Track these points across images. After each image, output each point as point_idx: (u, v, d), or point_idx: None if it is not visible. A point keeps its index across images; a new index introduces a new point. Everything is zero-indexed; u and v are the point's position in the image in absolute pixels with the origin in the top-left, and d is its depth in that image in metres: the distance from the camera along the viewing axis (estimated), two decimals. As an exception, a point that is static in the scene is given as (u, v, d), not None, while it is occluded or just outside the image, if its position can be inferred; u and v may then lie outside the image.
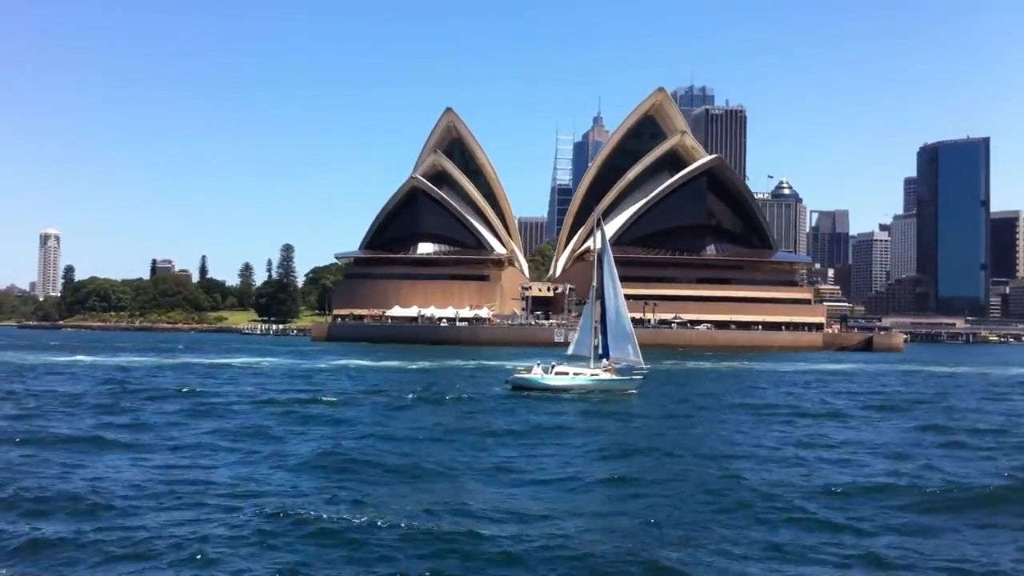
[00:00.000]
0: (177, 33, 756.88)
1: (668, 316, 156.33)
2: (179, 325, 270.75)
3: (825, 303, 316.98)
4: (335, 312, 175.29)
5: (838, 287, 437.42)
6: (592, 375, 51.03)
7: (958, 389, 62.44)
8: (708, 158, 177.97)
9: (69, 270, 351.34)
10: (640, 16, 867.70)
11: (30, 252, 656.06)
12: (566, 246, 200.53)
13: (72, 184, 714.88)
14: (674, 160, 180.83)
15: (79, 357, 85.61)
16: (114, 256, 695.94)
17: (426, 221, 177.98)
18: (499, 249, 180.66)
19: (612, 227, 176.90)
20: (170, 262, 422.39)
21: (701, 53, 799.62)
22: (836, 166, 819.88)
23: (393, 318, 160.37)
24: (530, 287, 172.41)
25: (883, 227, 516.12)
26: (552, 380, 50.38)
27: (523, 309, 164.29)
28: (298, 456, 26.43)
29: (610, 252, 54.18)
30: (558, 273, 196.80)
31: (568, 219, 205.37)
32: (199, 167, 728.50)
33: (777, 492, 21.90)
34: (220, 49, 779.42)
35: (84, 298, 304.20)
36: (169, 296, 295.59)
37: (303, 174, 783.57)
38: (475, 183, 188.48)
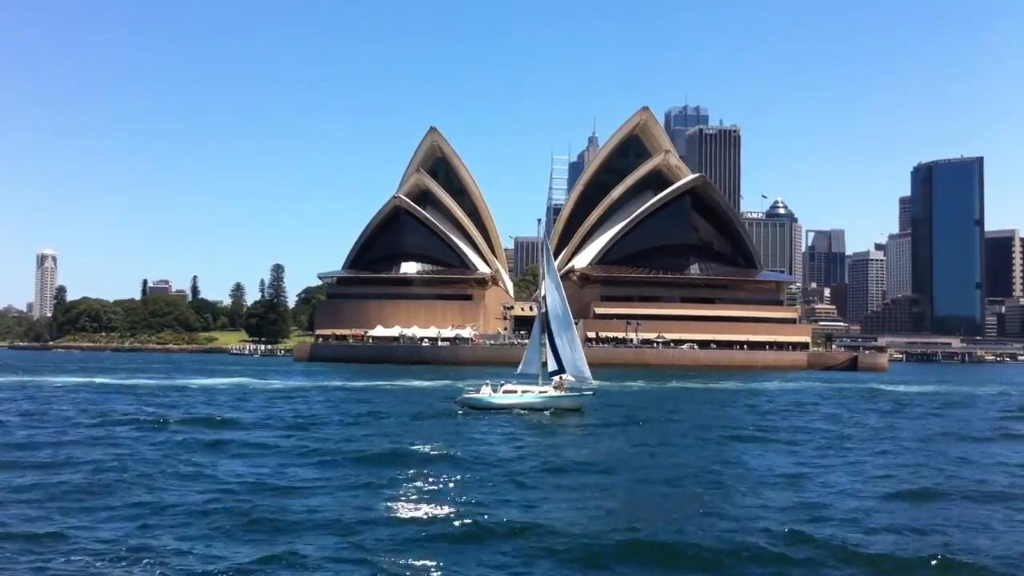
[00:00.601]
0: (170, 56, 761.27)
1: (651, 335, 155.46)
2: (169, 346, 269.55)
3: (820, 323, 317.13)
4: (318, 332, 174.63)
5: (834, 307, 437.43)
6: (540, 392, 50.86)
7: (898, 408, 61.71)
8: (691, 177, 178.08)
9: (61, 291, 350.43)
10: (635, 36, 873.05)
11: (27, 273, 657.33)
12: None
13: (70, 205, 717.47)
14: (658, 179, 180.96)
15: (45, 378, 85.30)
16: (112, 277, 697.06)
17: (409, 240, 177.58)
18: (483, 268, 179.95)
19: (596, 246, 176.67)
20: (167, 282, 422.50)
21: (695, 73, 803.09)
22: (831, 186, 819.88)
23: (375, 338, 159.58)
24: (512, 306, 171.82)
25: (879, 246, 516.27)
26: (500, 399, 51.10)
27: (506, 328, 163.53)
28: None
29: (556, 272, 55.92)
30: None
31: (554, 238, 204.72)
32: (197, 188, 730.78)
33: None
34: (212, 72, 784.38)
35: (75, 319, 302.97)
36: (160, 316, 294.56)
37: (302, 194, 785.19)
38: (459, 202, 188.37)
